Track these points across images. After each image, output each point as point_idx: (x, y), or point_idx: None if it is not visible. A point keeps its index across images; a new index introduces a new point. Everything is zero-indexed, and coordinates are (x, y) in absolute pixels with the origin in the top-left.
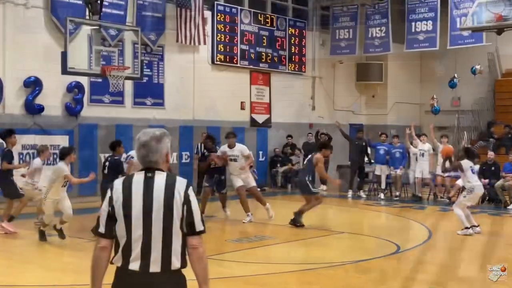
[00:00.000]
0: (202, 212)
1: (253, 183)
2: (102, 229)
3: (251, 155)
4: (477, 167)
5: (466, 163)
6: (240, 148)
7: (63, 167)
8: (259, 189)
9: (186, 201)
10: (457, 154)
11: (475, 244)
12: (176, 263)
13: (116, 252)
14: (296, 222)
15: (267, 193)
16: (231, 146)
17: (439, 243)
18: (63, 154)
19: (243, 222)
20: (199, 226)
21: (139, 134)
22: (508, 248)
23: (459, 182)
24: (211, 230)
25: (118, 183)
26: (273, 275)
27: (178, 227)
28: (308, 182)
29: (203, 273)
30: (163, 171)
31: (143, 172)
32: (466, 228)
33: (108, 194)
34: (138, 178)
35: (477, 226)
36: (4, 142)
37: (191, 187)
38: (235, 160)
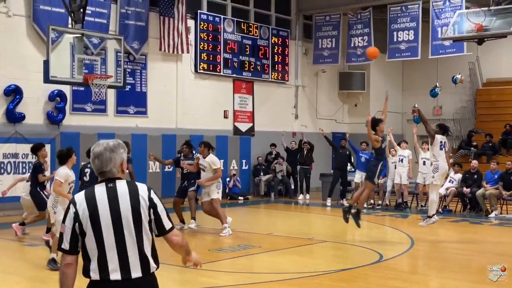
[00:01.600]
0: (181, 221)
1: (214, 196)
2: (66, 246)
3: (219, 171)
4: (459, 175)
5: (439, 138)
6: (210, 160)
7: (65, 171)
8: (241, 198)
9: (152, 205)
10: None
11: (457, 253)
12: (153, 264)
13: (89, 266)
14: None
15: (251, 201)
16: (203, 156)
17: (421, 251)
18: (63, 157)
19: (221, 236)
20: (168, 225)
21: (93, 146)
22: (489, 256)
23: (441, 191)
24: (194, 240)
25: (80, 197)
26: (257, 285)
27: (148, 230)
28: (378, 170)
29: (186, 249)
30: (122, 179)
31: (103, 183)
32: (429, 217)
33: (72, 209)
34: (100, 189)
35: (431, 216)
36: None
37: (152, 190)
38: (202, 169)
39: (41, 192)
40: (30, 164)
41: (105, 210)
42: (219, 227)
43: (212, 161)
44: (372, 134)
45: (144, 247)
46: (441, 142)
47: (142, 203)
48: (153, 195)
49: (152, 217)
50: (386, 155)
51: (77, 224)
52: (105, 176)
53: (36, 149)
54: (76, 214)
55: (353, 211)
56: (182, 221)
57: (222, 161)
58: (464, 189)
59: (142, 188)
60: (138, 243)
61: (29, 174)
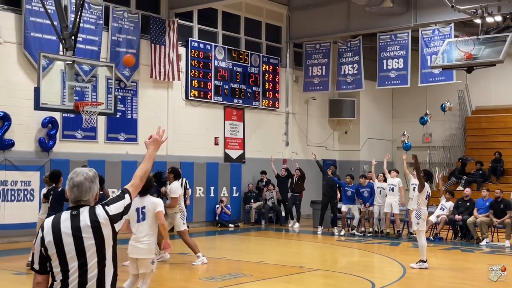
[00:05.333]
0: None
1: (180, 228)
2: (36, 266)
3: (174, 202)
4: (450, 203)
5: (427, 187)
6: (169, 187)
7: None
8: (232, 225)
9: (112, 218)
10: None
11: (449, 281)
12: None
13: (53, 284)
14: None
15: (241, 229)
16: (169, 182)
17: (413, 280)
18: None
19: (193, 265)
20: (126, 201)
21: (71, 174)
22: (482, 285)
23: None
24: (184, 268)
25: (48, 223)
26: None
27: (111, 258)
28: None
29: (147, 165)
30: (88, 205)
31: (69, 210)
32: (422, 261)
33: (40, 234)
34: (65, 217)
35: (425, 261)
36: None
37: (106, 206)
38: (166, 197)
39: None
40: (19, 192)
41: (68, 239)
42: (211, 256)
43: (170, 188)
44: None
45: (106, 277)
46: (428, 192)
47: (104, 228)
48: (107, 208)
49: (120, 220)
50: (372, 179)
51: (43, 248)
52: (78, 204)
53: (58, 176)
54: (43, 239)
55: None
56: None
57: (212, 188)
58: (456, 216)
59: (99, 209)
60: (99, 272)
61: (42, 195)
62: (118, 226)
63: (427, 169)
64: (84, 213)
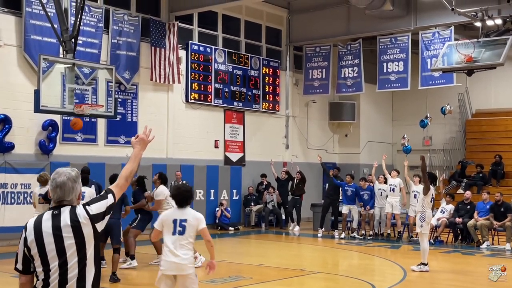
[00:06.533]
0: (126, 253)
1: None
2: (20, 266)
3: (157, 204)
4: (450, 206)
5: (432, 190)
6: (155, 191)
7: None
8: (232, 228)
9: (92, 218)
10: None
11: (450, 284)
12: None
13: (36, 283)
14: None
15: (241, 232)
16: (156, 185)
17: (414, 283)
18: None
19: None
20: (109, 201)
21: (53, 174)
22: (482, 287)
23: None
24: None
25: (30, 224)
26: None
27: (92, 258)
28: None
29: (131, 167)
30: (70, 205)
31: (51, 210)
32: (423, 264)
33: (23, 234)
34: (47, 217)
35: (426, 264)
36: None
37: (87, 206)
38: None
39: None
40: (19, 194)
41: (49, 239)
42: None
43: (156, 192)
44: None
45: (86, 277)
46: (432, 195)
47: (84, 227)
48: (88, 208)
49: (102, 220)
50: (373, 182)
51: (26, 248)
52: (61, 204)
53: None
54: (25, 239)
55: None
56: (127, 254)
57: (212, 191)
58: (456, 219)
59: (80, 210)
60: (80, 271)
61: (39, 196)
62: (100, 226)
63: (431, 172)
64: (65, 212)
